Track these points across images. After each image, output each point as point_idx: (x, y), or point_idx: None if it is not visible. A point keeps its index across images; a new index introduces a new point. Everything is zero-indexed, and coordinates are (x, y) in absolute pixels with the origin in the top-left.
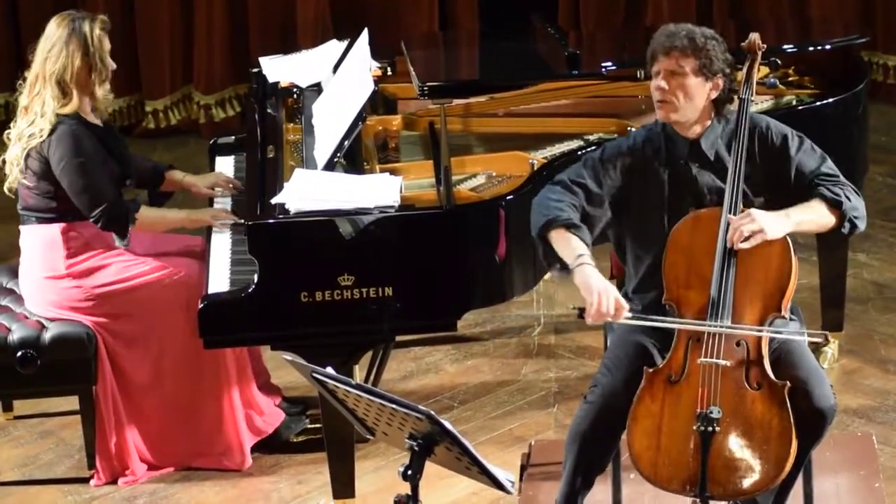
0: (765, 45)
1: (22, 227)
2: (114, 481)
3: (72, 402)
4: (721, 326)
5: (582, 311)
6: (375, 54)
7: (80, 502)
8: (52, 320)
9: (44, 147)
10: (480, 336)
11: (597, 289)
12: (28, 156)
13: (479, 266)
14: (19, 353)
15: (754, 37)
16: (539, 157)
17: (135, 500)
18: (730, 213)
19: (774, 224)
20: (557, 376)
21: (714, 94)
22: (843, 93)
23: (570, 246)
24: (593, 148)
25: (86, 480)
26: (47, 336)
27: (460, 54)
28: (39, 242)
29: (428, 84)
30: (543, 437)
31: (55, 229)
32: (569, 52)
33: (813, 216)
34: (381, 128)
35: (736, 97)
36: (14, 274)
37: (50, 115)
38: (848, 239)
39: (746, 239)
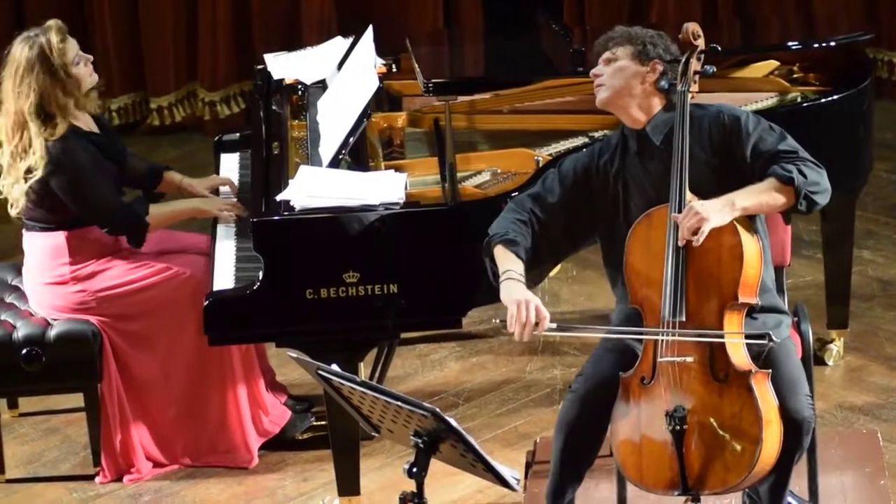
0: (701, 35)
1: (25, 233)
2: (119, 479)
3: (77, 400)
4: (665, 333)
5: (505, 324)
6: (380, 51)
7: (85, 499)
8: (56, 319)
9: (44, 173)
10: (485, 333)
11: (515, 299)
12: (30, 188)
13: (484, 263)
14: (24, 351)
15: (689, 27)
16: (544, 153)
17: (140, 497)
18: (676, 210)
19: (717, 214)
20: (562, 373)
21: (652, 78)
22: (847, 90)
23: (502, 262)
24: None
25: (91, 478)
26: (52, 333)
27: (465, 51)
28: (44, 250)
29: (433, 81)
30: (548, 435)
31: (59, 237)
32: (574, 48)
33: (761, 198)
34: (385, 125)
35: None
36: (18, 271)
37: (41, 151)
38: (852, 235)
39: (696, 231)
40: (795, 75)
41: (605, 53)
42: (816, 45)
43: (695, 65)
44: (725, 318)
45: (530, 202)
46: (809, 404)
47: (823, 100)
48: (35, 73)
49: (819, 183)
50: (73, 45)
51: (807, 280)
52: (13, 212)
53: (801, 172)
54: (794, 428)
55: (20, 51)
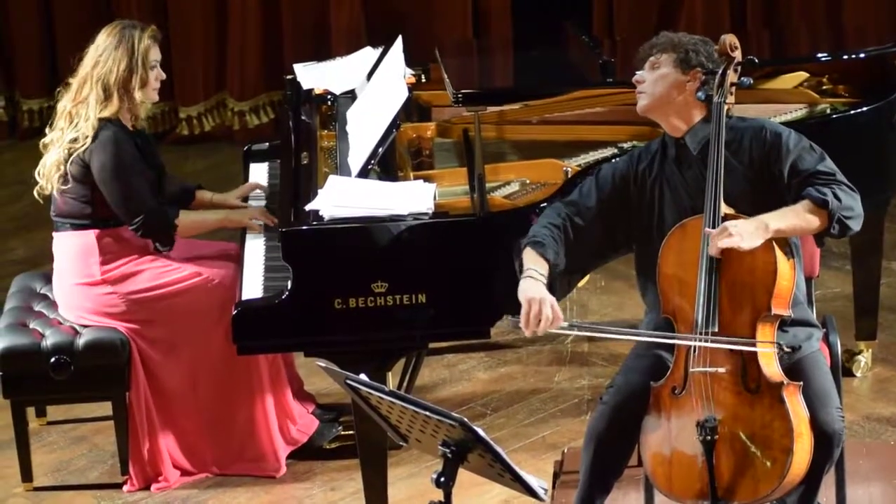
0: (738, 47)
1: (55, 234)
2: (147, 487)
3: (105, 408)
4: (700, 338)
5: (515, 322)
6: (409, 61)
7: None
8: (85, 326)
9: (86, 153)
10: (514, 343)
11: (529, 296)
12: (70, 161)
13: (513, 274)
14: (53, 359)
15: (726, 39)
16: (573, 164)
17: None
18: (710, 224)
19: (750, 237)
20: (590, 384)
21: (693, 87)
22: (877, 101)
23: (526, 262)
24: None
25: (119, 486)
26: (81, 342)
27: (494, 62)
28: (74, 249)
29: (462, 91)
30: (576, 445)
31: (90, 235)
32: (603, 59)
33: (794, 220)
34: (415, 135)
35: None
36: (47, 280)
37: (93, 120)
38: (881, 247)
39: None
40: (825, 87)
41: (648, 59)
42: (846, 57)
43: (731, 76)
44: (758, 330)
45: (566, 207)
46: (840, 417)
47: (853, 111)
48: (116, 51)
49: (853, 208)
50: (157, 52)
51: (835, 291)
52: (37, 188)
53: (835, 196)
54: (825, 441)
55: (109, 32)
